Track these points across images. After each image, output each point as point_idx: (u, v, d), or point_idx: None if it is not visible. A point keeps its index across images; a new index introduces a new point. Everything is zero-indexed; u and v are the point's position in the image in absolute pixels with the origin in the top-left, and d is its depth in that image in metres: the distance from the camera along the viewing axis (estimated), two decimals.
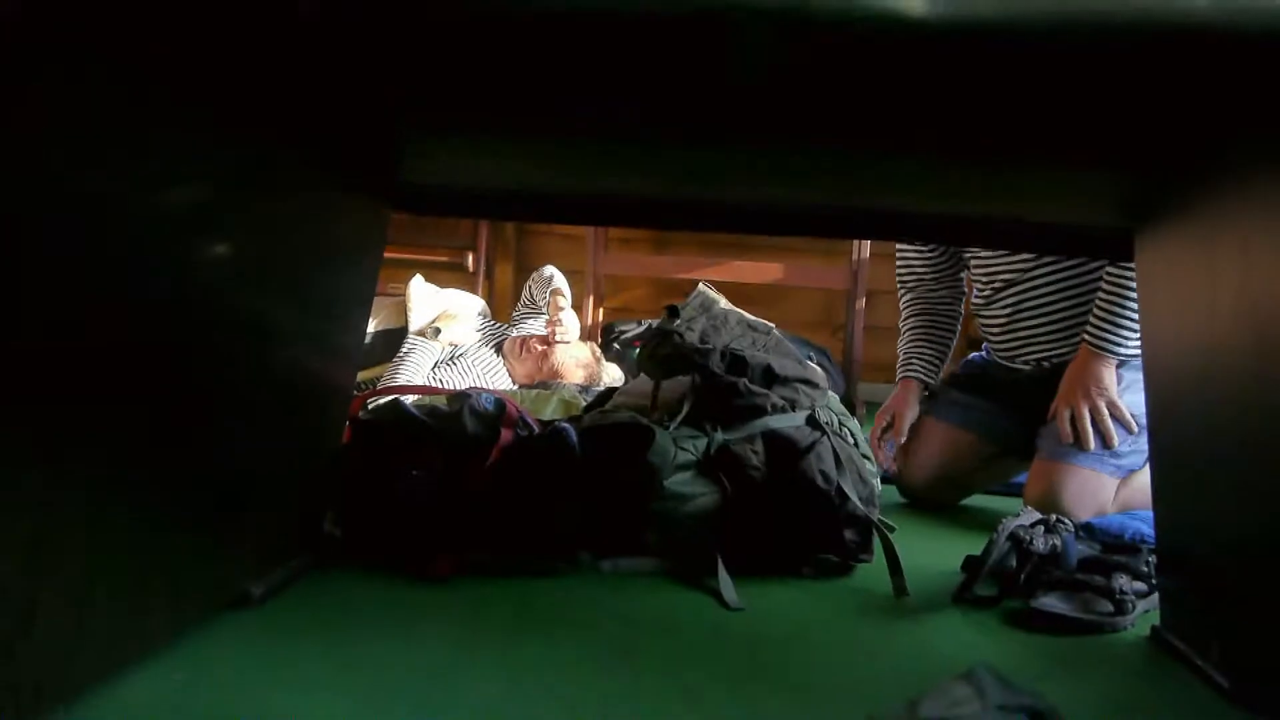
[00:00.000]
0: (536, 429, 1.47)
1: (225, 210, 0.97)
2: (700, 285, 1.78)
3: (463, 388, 2.67)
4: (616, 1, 0.85)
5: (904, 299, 2.19)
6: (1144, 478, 1.77)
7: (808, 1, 0.53)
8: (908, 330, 2.16)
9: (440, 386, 2.31)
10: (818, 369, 1.63)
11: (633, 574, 1.37)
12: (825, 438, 1.46)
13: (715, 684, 1.03)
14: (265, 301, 1.09)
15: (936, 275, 2.14)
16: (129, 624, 0.94)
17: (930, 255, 2.13)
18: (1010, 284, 1.97)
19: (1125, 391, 1.82)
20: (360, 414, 1.50)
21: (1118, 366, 1.83)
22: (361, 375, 2.66)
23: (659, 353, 1.53)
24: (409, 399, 1.60)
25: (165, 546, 0.98)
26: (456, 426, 1.42)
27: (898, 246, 2.20)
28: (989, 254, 1.99)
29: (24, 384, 0.74)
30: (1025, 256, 1.93)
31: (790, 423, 1.47)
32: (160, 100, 0.83)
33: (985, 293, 2.03)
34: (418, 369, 2.71)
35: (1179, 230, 1.13)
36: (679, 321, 1.57)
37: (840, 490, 1.40)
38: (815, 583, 1.38)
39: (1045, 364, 1.96)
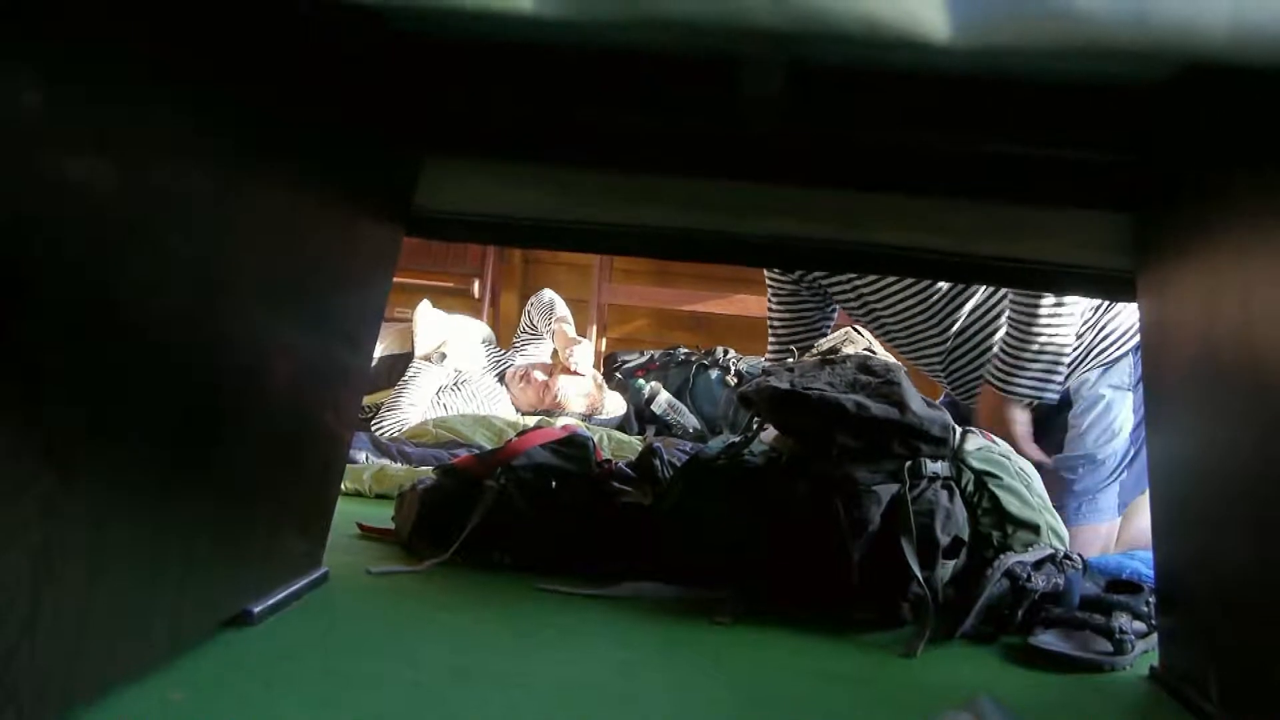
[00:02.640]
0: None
1: (243, 229, 0.98)
2: (846, 329, 1.81)
3: (468, 413, 2.69)
4: (630, 38, 0.87)
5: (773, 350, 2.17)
6: (1145, 520, 1.77)
7: (819, 37, 0.54)
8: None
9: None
10: (934, 417, 1.42)
11: (642, 597, 1.39)
12: (883, 501, 1.37)
13: (714, 711, 1.03)
14: (277, 321, 1.10)
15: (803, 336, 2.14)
16: (129, 639, 0.94)
17: (796, 324, 2.14)
18: (944, 367, 2.00)
19: (1099, 413, 1.84)
20: (514, 463, 1.63)
21: (1095, 381, 1.84)
22: (366, 399, 2.67)
23: (745, 391, 1.54)
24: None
25: (167, 562, 0.98)
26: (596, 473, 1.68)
27: (770, 306, 2.18)
28: (906, 343, 2.02)
29: (35, 395, 0.74)
30: (941, 343, 1.96)
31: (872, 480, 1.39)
32: (190, 122, 0.84)
33: (939, 379, 2.07)
34: (423, 394, 2.72)
35: (1180, 274, 1.14)
36: (790, 360, 1.58)
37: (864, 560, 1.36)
38: (814, 615, 1.38)
39: None
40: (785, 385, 1.43)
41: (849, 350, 1.66)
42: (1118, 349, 1.85)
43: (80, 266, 0.76)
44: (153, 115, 0.80)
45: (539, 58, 0.94)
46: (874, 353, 1.67)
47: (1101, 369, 1.85)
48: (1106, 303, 1.88)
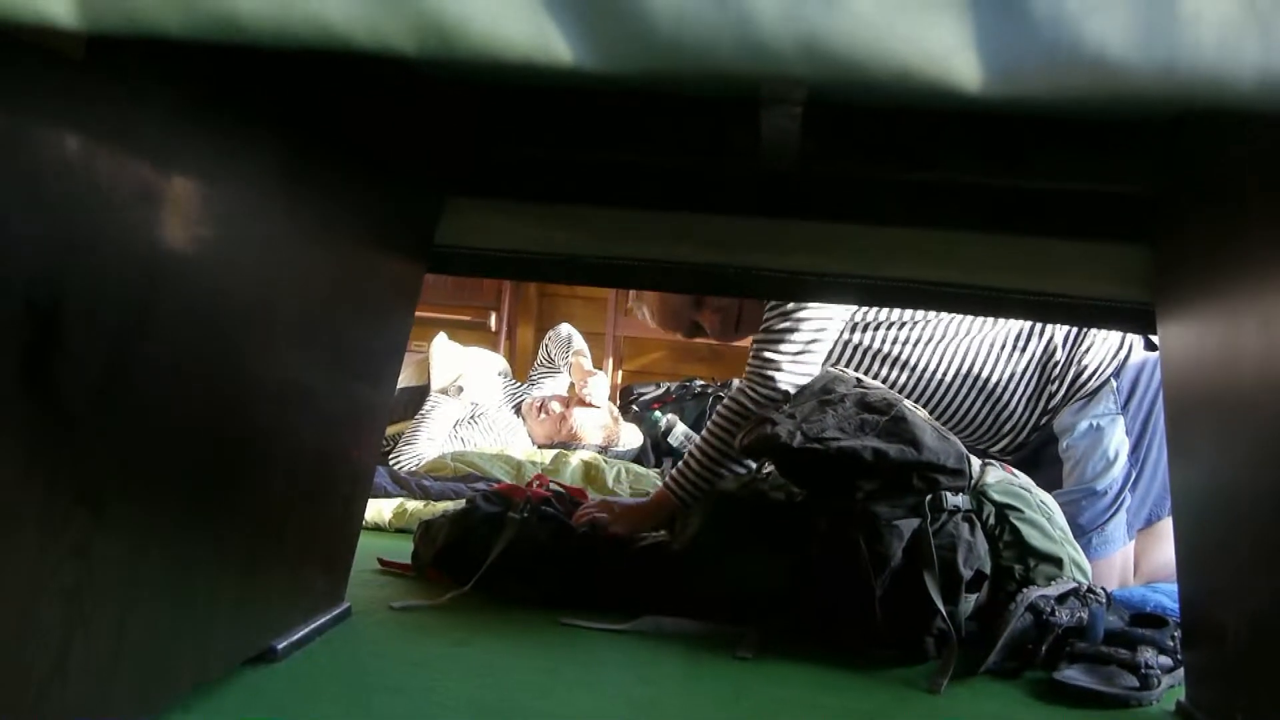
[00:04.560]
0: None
1: (269, 270, 0.99)
2: (826, 368, 1.78)
3: (485, 447, 2.70)
4: (655, 82, 0.88)
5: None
6: (1167, 554, 1.76)
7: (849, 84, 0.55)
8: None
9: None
10: (948, 449, 1.43)
11: (663, 632, 1.38)
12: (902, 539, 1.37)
13: None
14: (302, 359, 1.11)
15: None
16: (156, 676, 0.94)
17: None
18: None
19: (1090, 443, 1.83)
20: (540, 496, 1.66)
21: (1079, 414, 1.85)
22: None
23: (745, 441, 1.52)
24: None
25: (193, 601, 0.99)
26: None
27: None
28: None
29: (68, 439, 0.75)
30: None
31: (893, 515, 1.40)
32: (218, 167, 0.86)
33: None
34: (440, 428, 2.73)
35: (1200, 304, 1.14)
36: (786, 406, 1.56)
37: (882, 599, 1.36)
38: (837, 650, 1.38)
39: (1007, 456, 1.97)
40: (790, 430, 1.42)
41: (840, 389, 1.63)
42: (1096, 380, 1.86)
43: (111, 312, 0.77)
44: (183, 162, 0.82)
45: (559, 101, 0.95)
46: (865, 386, 1.66)
47: (1082, 402, 1.86)
48: (1077, 338, 1.88)
